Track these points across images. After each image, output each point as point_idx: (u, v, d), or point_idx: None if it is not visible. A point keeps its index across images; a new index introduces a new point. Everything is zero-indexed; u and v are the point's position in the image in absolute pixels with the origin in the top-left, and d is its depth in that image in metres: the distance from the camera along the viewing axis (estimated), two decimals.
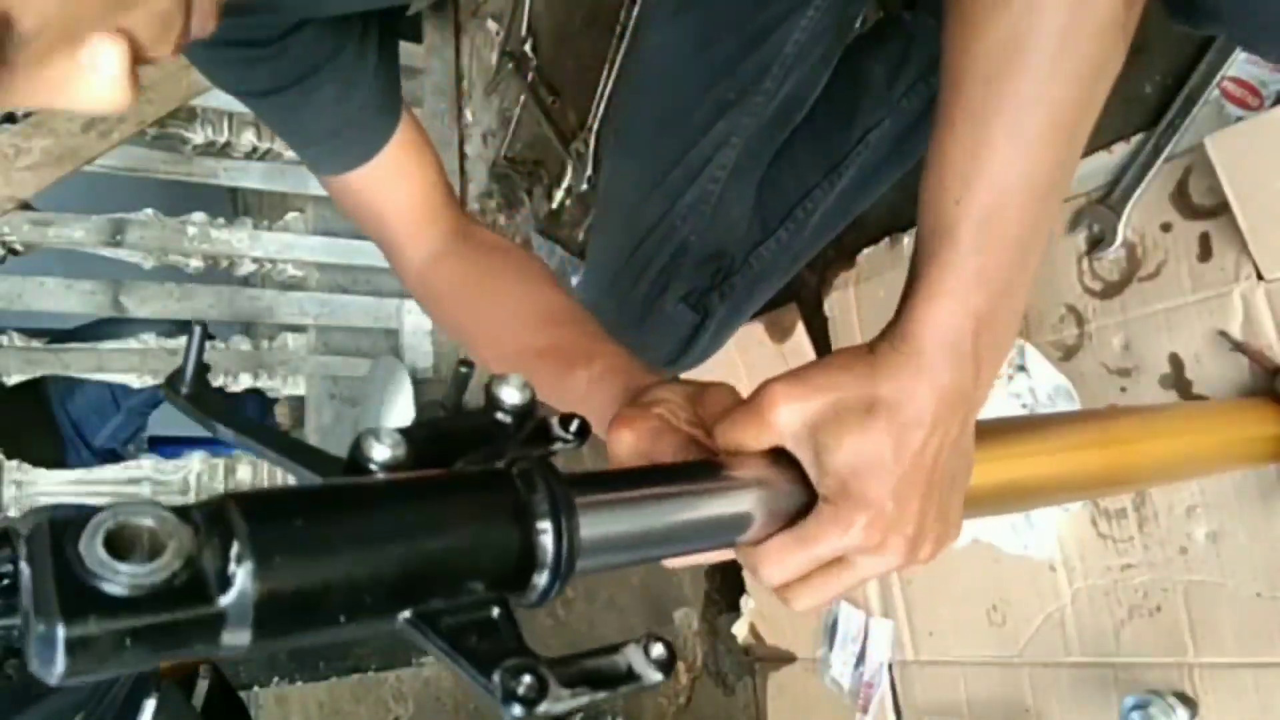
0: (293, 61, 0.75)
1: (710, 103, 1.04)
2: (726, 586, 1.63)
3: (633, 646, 0.40)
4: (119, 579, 0.31)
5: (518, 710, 0.36)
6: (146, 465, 1.97)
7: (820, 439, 0.52)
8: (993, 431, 0.64)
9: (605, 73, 1.80)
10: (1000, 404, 1.11)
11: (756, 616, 1.50)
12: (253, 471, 2.04)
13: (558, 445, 0.52)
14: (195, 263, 1.97)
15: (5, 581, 0.36)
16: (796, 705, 1.43)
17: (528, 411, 0.50)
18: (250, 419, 0.55)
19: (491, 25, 2.11)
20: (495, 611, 0.40)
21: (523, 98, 2.01)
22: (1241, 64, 1.02)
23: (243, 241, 1.99)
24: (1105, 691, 1.10)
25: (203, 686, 0.86)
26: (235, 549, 0.34)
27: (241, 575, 0.33)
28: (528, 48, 2.00)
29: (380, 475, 0.40)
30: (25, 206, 1.69)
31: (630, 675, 0.40)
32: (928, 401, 0.52)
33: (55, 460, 2.16)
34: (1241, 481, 1.00)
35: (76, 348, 1.90)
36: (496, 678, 0.36)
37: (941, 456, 0.53)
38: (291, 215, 2.10)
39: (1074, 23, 0.52)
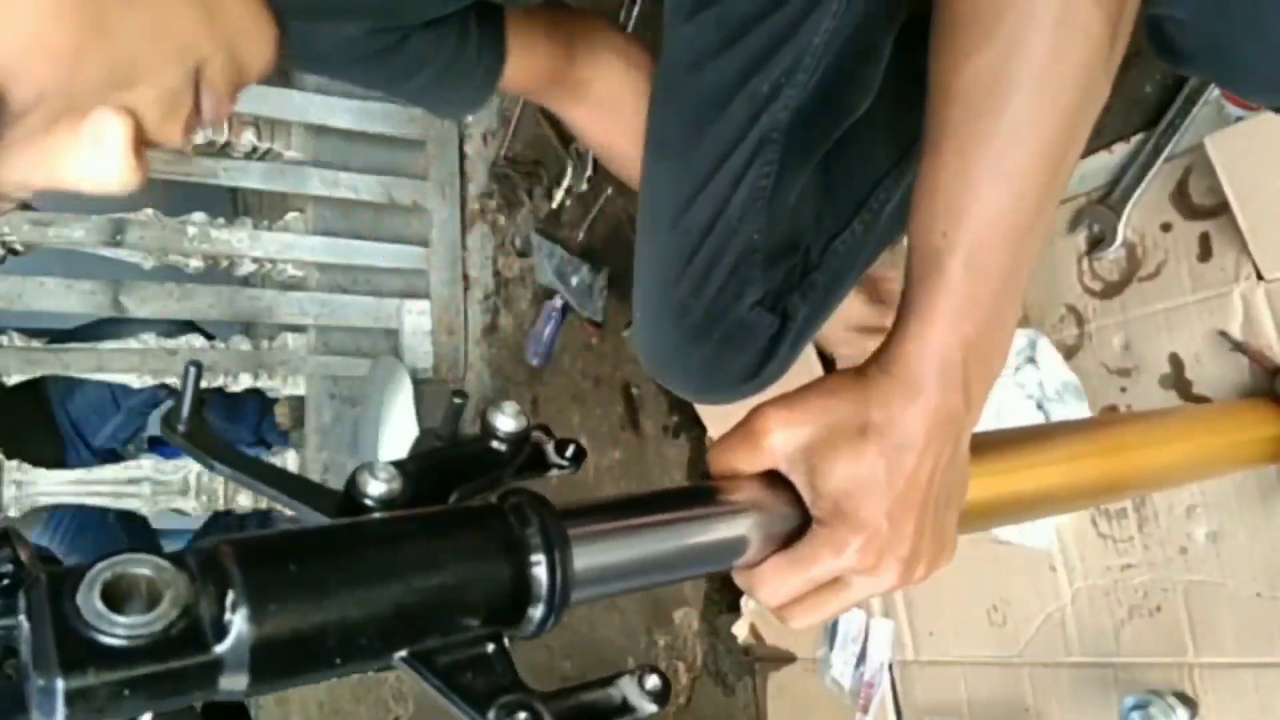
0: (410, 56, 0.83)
1: (745, 98, 1.01)
2: (726, 587, 1.63)
3: (627, 678, 0.41)
4: (116, 630, 0.32)
5: None
6: (146, 465, 1.97)
7: (814, 462, 0.53)
8: (992, 444, 0.64)
9: None
10: (1007, 395, 1.11)
11: (756, 616, 1.50)
12: None
13: (553, 471, 0.53)
14: (195, 263, 1.97)
15: (5, 581, 0.36)
16: (796, 705, 1.43)
17: (523, 438, 0.50)
18: (244, 454, 0.55)
19: None
20: (490, 647, 0.40)
21: (523, 97, 2.01)
22: None
23: (243, 241, 1.99)
24: (1105, 691, 1.10)
25: None
26: (230, 596, 0.34)
27: (237, 622, 0.34)
28: None
29: (374, 515, 0.41)
30: (25, 206, 1.70)
31: (625, 708, 0.40)
32: (919, 424, 0.53)
33: (55, 460, 2.16)
34: (1241, 481, 1.00)
35: (76, 348, 1.90)
36: (492, 715, 0.37)
37: (935, 477, 0.54)
38: (291, 215, 2.10)
39: (1057, 59, 0.53)
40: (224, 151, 1.99)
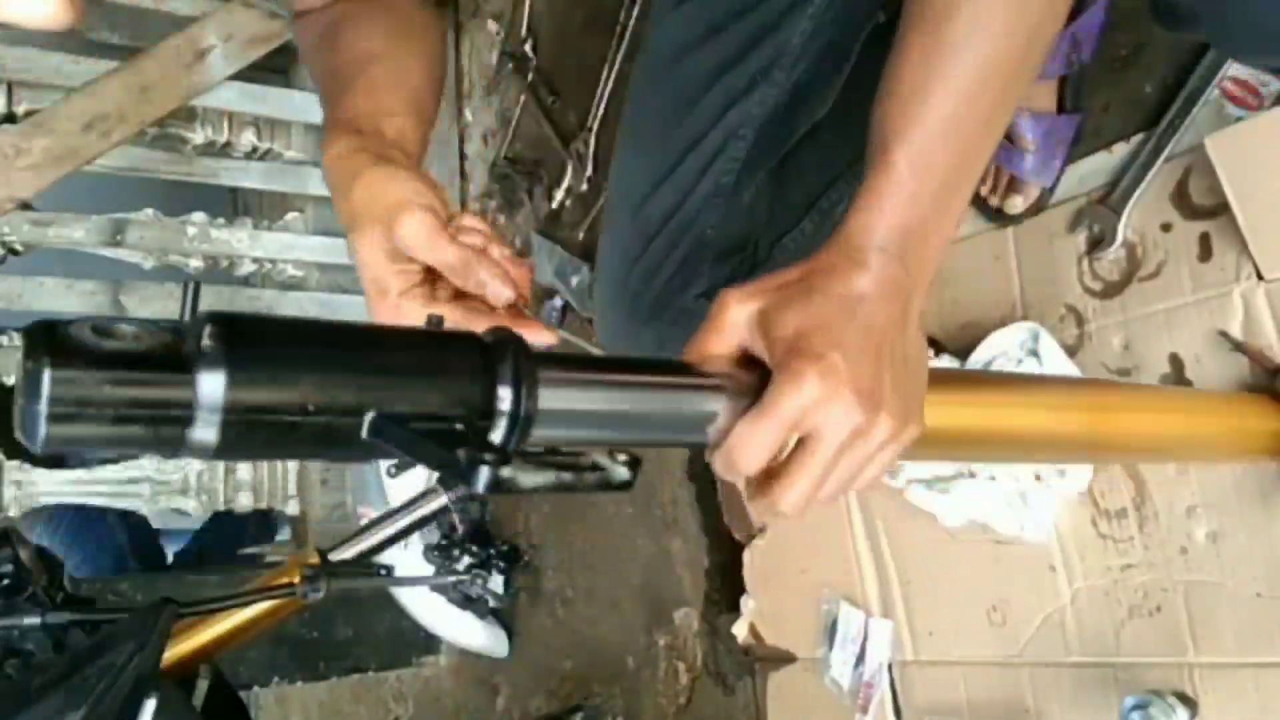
0: None
1: (719, 93, 1.03)
2: (726, 586, 1.63)
3: (599, 454, 0.44)
4: (106, 342, 0.34)
5: (485, 476, 0.38)
6: (146, 465, 1.97)
7: (770, 317, 0.56)
8: (977, 379, 0.65)
9: (605, 73, 1.80)
10: None
11: (756, 616, 1.50)
12: (252, 470, 2.04)
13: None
14: (195, 263, 1.97)
15: (5, 581, 0.37)
16: (796, 705, 1.43)
17: None
18: None
19: (491, 25, 2.11)
20: (458, 426, 0.42)
21: (523, 98, 2.01)
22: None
23: (243, 241, 1.99)
24: (1105, 691, 1.10)
25: (203, 686, 0.85)
26: (209, 358, 0.36)
27: (212, 380, 0.36)
28: (528, 48, 2.00)
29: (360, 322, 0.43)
30: (25, 206, 1.70)
31: (597, 466, 0.43)
32: (863, 284, 0.57)
33: (55, 460, 2.16)
34: (1241, 481, 1.00)
35: None
36: (462, 453, 0.39)
37: (887, 329, 0.57)
38: (291, 215, 2.10)
39: None
40: (224, 151, 1.99)
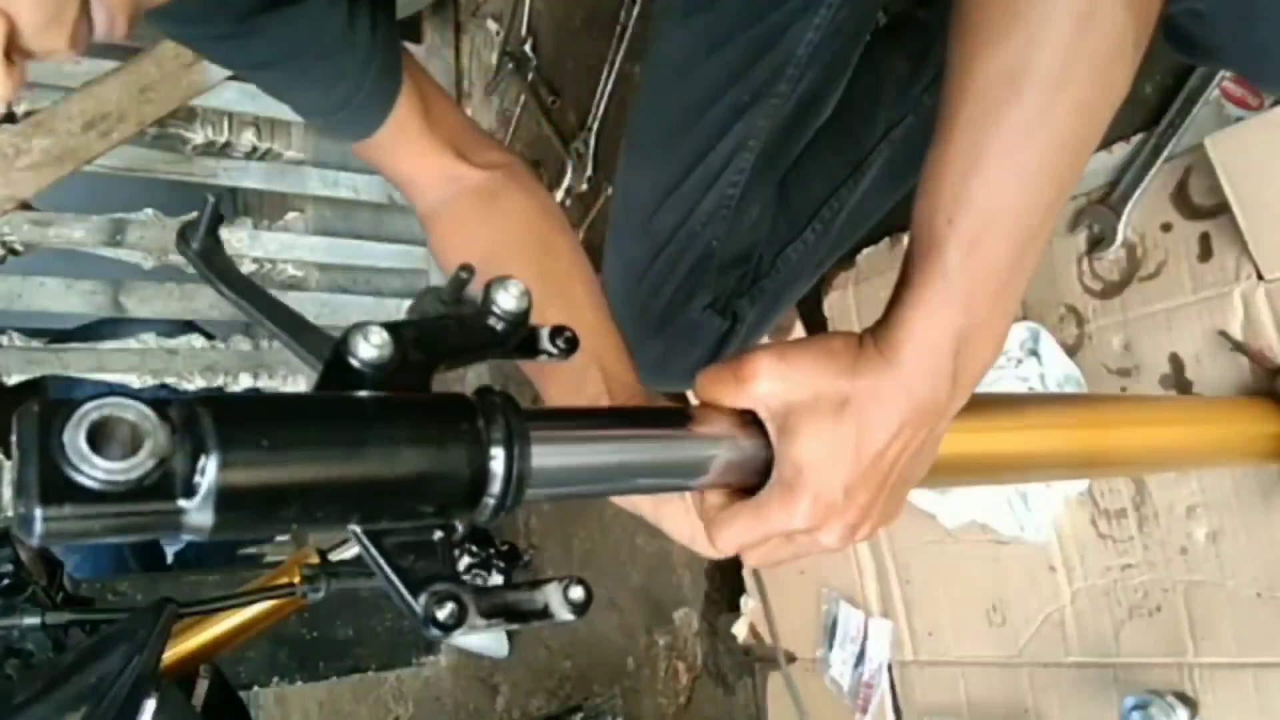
0: (270, 42, 0.75)
1: (724, 106, 1.03)
2: (726, 586, 1.63)
3: (554, 585, 0.43)
4: (95, 474, 0.34)
5: (435, 633, 0.39)
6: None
7: (790, 421, 0.54)
8: (985, 403, 0.64)
9: (605, 73, 1.80)
10: (1008, 386, 1.11)
11: (756, 616, 1.50)
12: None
13: (543, 357, 0.53)
14: None
15: (5, 581, 0.37)
16: (797, 705, 1.43)
17: (522, 319, 0.51)
18: (252, 283, 0.55)
19: (491, 25, 2.11)
20: (437, 535, 0.43)
21: (523, 98, 2.01)
22: None
23: (243, 241, 1.99)
24: (1105, 691, 1.10)
25: (203, 686, 0.85)
26: (203, 458, 0.36)
27: (207, 475, 0.36)
28: (528, 48, 2.00)
29: (355, 393, 0.43)
30: (25, 206, 1.69)
31: (544, 612, 0.42)
32: (899, 409, 0.53)
33: None
34: (1241, 481, 1.00)
35: (76, 347, 1.90)
36: (423, 599, 0.39)
37: (901, 461, 0.55)
38: (291, 215, 2.10)
39: (1077, 54, 0.52)
40: (224, 151, 1.99)
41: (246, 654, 1.93)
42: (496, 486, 0.43)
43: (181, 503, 0.36)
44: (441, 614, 0.39)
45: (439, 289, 0.54)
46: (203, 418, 0.37)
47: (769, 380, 0.54)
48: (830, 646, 1.35)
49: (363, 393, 0.43)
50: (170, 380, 1.94)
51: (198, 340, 2.01)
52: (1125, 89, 0.56)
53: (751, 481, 0.55)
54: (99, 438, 0.35)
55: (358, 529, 0.41)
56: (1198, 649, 1.03)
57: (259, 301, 0.54)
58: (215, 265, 0.56)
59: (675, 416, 0.54)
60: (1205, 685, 1.02)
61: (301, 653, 2.04)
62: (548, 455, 0.46)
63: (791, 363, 0.54)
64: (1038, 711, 1.15)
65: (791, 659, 1.44)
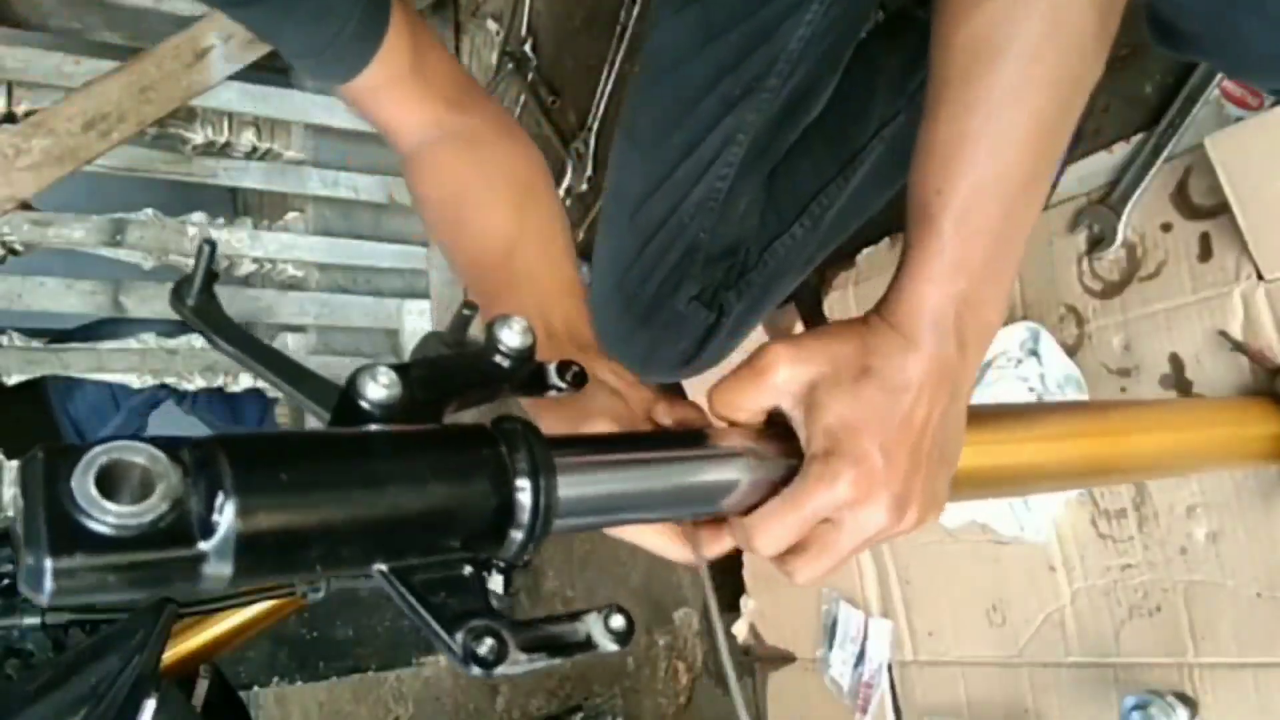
0: None
1: (716, 98, 1.03)
2: (727, 586, 1.63)
3: (594, 615, 0.41)
4: (107, 519, 0.32)
5: (477, 670, 0.37)
6: None
7: (814, 398, 0.54)
8: (988, 416, 0.64)
9: (605, 73, 1.80)
10: (1008, 386, 1.11)
11: (756, 616, 1.50)
12: None
13: (552, 392, 0.53)
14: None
15: (5, 581, 0.36)
16: (796, 705, 1.43)
17: (527, 355, 0.51)
18: (250, 335, 0.55)
19: (491, 25, 2.11)
20: (467, 570, 0.41)
21: (523, 97, 2.01)
22: None
23: (243, 241, 1.99)
24: (1105, 691, 1.10)
25: (203, 686, 0.85)
26: (220, 497, 0.35)
27: (224, 519, 0.35)
28: (528, 48, 2.00)
29: (370, 428, 0.41)
30: (25, 206, 1.69)
31: (588, 644, 0.41)
32: (915, 372, 0.54)
33: None
34: (1242, 481, 1.00)
35: (76, 348, 1.90)
36: (460, 637, 0.38)
37: (931, 424, 0.55)
38: (291, 215, 2.10)
39: (1049, 32, 0.55)
40: (224, 151, 1.99)
41: (246, 654, 1.93)
42: (524, 518, 0.42)
43: (201, 546, 0.34)
44: (481, 650, 0.37)
45: (441, 333, 0.55)
46: (218, 459, 0.35)
47: (786, 367, 0.55)
48: (830, 646, 1.35)
49: (380, 427, 0.41)
50: (170, 380, 1.94)
51: (197, 340, 2.01)
52: (1100, 67, 0.58)
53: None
54: (108, 483, 0.33)
55: (384, 568, 0.39)
56: (1198, 649, 1.03)
57: (258, 353, 0.53)
58: (212, 320, 0.55)
59: (696, 437, 0.54)
60: (1205, 685, 1.02)
61: (301, 653, 2.04)
62: (574, 485, 0.45)
63: (804, 347, 0.55)
64: (1038, 711, 1.15)
65: (791, 659, 1.44)
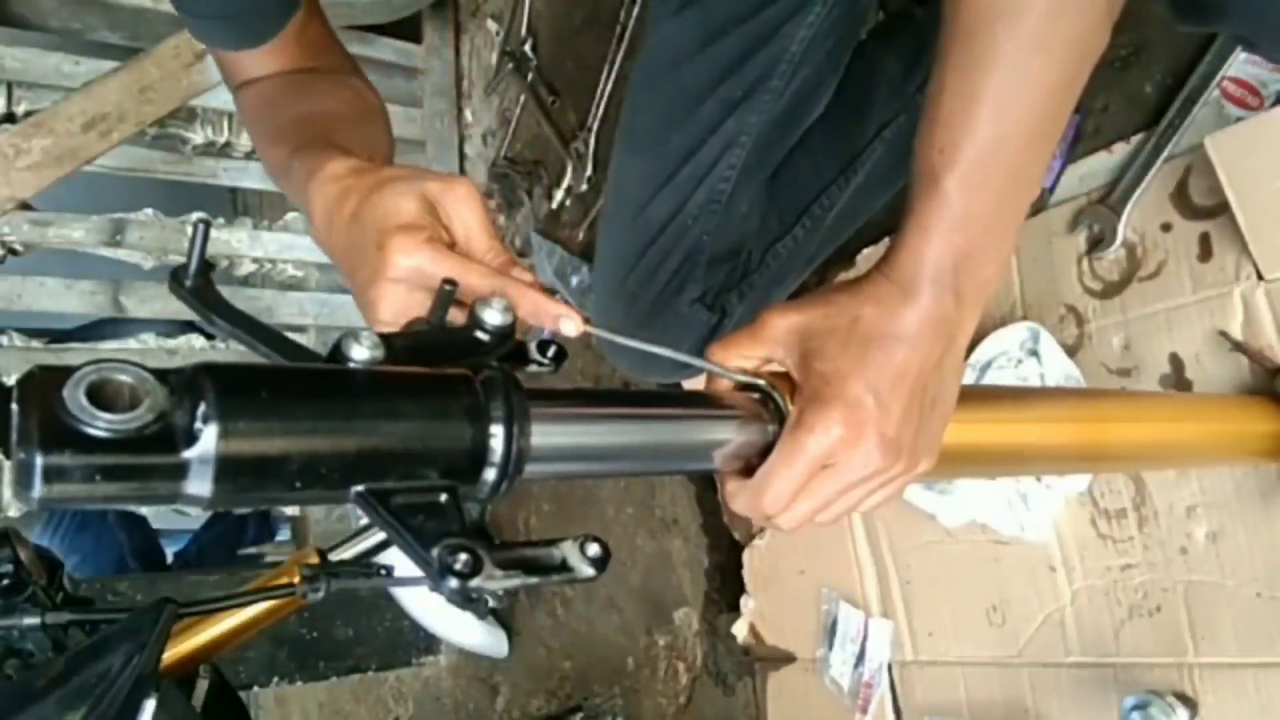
0: None
1: (717, 100, 1.03)
2: (726, 586, 1.63)
3: (569, 543, 0.43)
4: (96, 422, 0.34)
5: (453, 583, 0.38)
6: None
7: (807, 345, 0.56)
8: (986, 395, 0.65)
9: (605, 73, 1.80)
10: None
11: (756, 616, 1.50)
12: None
13: (532, 367, 0.54)
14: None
15: (5, 582, 0.37)
16: (796, 705, 1.43)
17: (508, 333, 0.52)
18: (246, 314, 0.56)
19: (491, 25, 2.11)
20: (444, 497, 0.42)
21: (522, 98, 2.01)
22: (1241, 64, 1.02)
23: (242, 241, 1.99)
24: (1105, 692, 1.10)
25: (203, 686, 0.85)
26: (203, 408, 0.36)
27: (206, 434, 0.36)
28: (528, 48, 2.00)
29: (351, 366, 0.43)
30: (25, 206, 1.69)
31: (563, 566, 0.42)
32: (910, 322, 0.56)
33: None
34: (1241, 481, 1.00)
35: (76, 347, 1.90)
36: (436, 553, 0.39)
37: (925, 373, 0.57)
38: (291, 215, 2.10)
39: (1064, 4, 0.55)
40: (224, 151, 1.99)
41: (246, 654, 1.92)
42: (496, 459, 0.43)
43: (184, 454, 0.36)
44: (457, 564, 0.38)
45: (423, 318, 0.56)
46: (202, 380, 0.37)
47: (782, 320, 0.57)
48: (830, 646, 1.35)
49: (363, 367, 0.43)
50: None
51: (197, 340, 2.01)
52: (1107, 34, 0.59)
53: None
54: (99, 396, 0.35)
55: (362, 489, 0.40)
56: (1198, 649, 1.03)
57: (256, 332, 0.54)
58: (209, 301, 0.57)
59: (681, 399, 0.56)
60: (1205, 685, 1.02)
61: (301, 653, 2.04)
62: (549, 434, 0.46)
63: (800, 306, 0.58)
64: (1038, 711, 1.15)
65: (791, 659, 1.44)
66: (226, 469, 0.37)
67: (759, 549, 1.47)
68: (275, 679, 2.01)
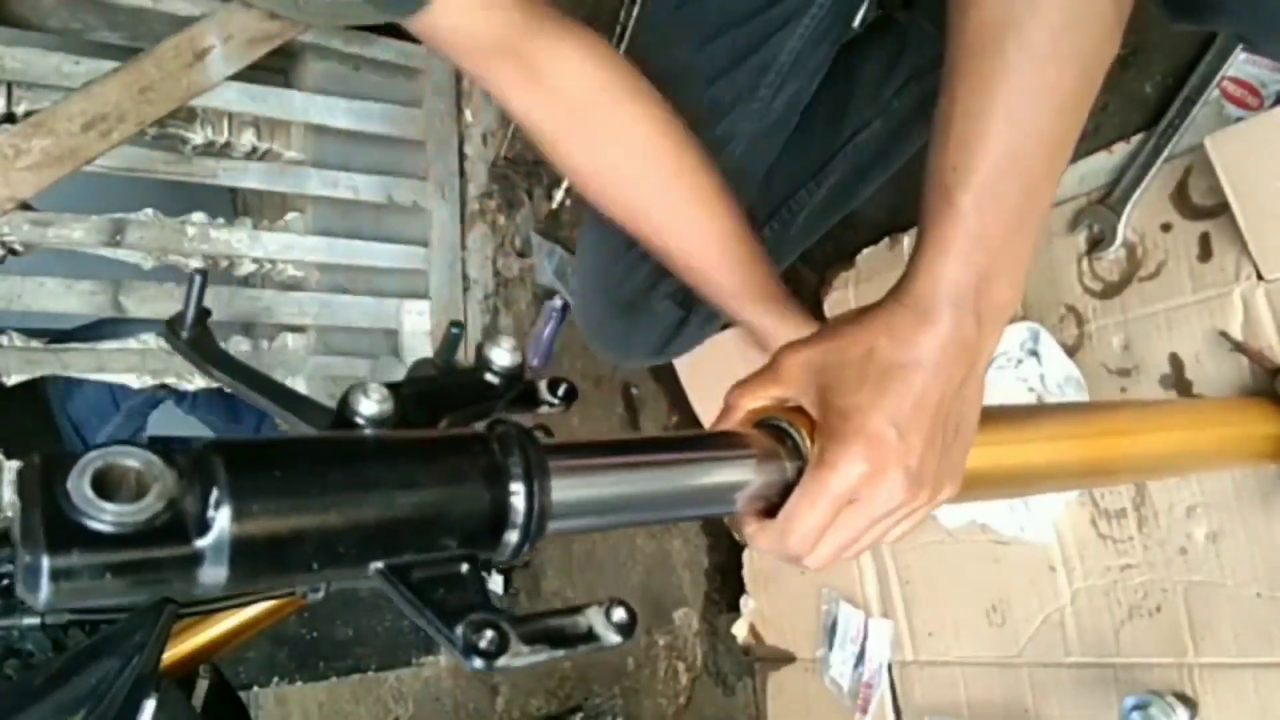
0: None
1: (707, 104, 1.04)
2: (726, 587, 1.63)
3: (595, 609, 0.41)
4: (103, 516, 0.33)
5: (479, 663, 0.37)
6: None
7: (824, 381, 0.55)
8: (990, 417, 0.64)
9: None
10: (1009, 387, 1.11)
11: (756, 617, 1.50)
12: None
13: (544, 408, 0.53)
14: (195, 263, 1.97)
15: (5, 582, 0.36)
16: (796, 705, 1.43)
17: (517, 374, 0.52)
18: (244, 364, 0.56)
19: None
20: (464, 568, 0.41)
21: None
22: (1241, 64, 1.02)
23: (242, 242, 1.99)
24: (1105, 692, 1.10)
25: (203, 686, 0.85)
26: (215, 495, 0.35)
27: (219, 519, 0.35)
28: None
29: (363, 431, 0.42)
30: (25, 206, 1.70)
31: (590, 636, 0.41)
32: (929, 349, 0.54)
33: None
34: (1241, 481, 1.00)
35: (76, 348, 1.90)
36: (460, 630, 0.38)
37: (945, 400, 0.55)
38: (291, 215, 2.10)
39: (1069, 5, 0.54)
40: (224, 152, 1.99)
41: (246, 654, 1.93)
42: (519, 520, 0.42)
43: (197, 544, 0.34)
44: (482, 642, 0.37)
45: (429, 359, 0.55)
46: (212, 462, 0.36)
47: (796, 357, 0.56)
48: (830, 646, 1.35)
49: (374, 431, 0.42)
50: (170, 380, 1.94)
51: None
52: (1118, 41, 0.58)
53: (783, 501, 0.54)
54: (104, 486, 0.33)
55: (381, 566, 0.39)
56: (1198, 649, 1.03)
57: (249, 379, 0.54)
58: (205, 351, 0.56)
59: (697, 441, 0.54)
60: (1205, 685, 1.02)
61: (301, 653, 2.04)
62: (569, 488, 0.45)
63: (813, 342, 0.57)
64: (1037, 712, 1.15)
65: (791, 659, 1.44)
66: (242, 554, 0.35)
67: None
68: (275, 679, 2.01)
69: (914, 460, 0.54)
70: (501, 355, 0.51)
